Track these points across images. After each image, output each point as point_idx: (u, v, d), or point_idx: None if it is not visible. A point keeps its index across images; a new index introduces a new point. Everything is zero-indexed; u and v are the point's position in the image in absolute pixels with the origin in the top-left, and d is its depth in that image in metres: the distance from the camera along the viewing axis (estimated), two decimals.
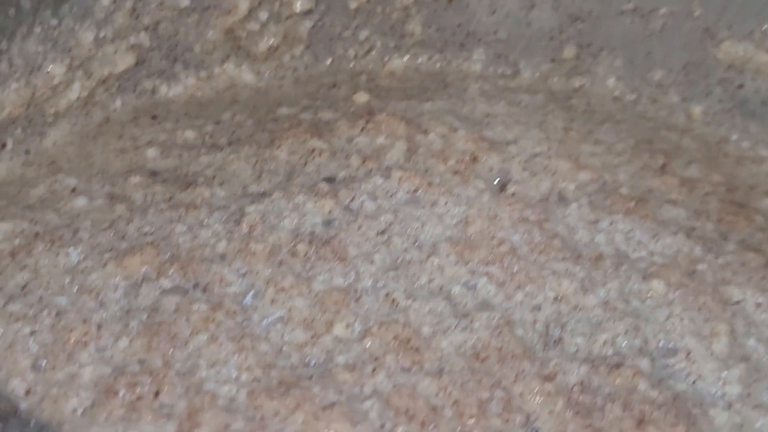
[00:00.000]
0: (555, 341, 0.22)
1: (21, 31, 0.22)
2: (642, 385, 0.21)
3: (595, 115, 0.27)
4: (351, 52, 0.26)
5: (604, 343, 0.22)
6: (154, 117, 0.25)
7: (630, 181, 0.25)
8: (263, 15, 0.25)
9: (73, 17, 0.23)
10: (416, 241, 0.23)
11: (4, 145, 0.23)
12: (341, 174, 0.24)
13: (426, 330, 0.21)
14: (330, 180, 0.24)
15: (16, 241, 0.22)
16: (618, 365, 0.21)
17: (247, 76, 0.25)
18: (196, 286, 0.22)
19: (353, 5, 0.25)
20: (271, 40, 0.25)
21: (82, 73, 0.24)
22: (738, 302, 0.23)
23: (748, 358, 0.22)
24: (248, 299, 0.22)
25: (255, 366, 0.20)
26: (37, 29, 0.23)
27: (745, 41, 0.25)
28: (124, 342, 0.20)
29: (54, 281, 0.21)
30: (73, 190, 0.24)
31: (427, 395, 0.20)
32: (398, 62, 0.27)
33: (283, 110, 0.25)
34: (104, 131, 0.25)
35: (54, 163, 0.24)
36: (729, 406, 0.21)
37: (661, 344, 0.22)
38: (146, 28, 0.24)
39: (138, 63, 0.23)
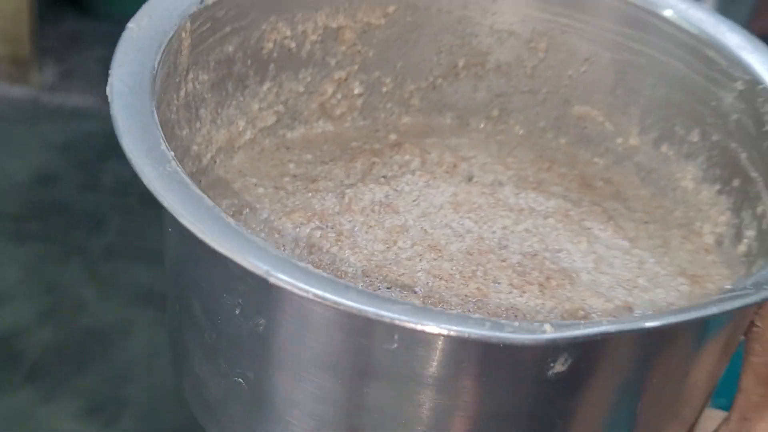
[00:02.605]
0: (503, 247, 0.34)
1: (227, 104, 0.34)
2: (547, 263, 0.33)
3: (511, 144, 0.39)
4: (382, 114, 0.37)
5: (528, 246, 0.34)
6: (287, 148, 0.37)
7: (533, 175, 0.34)
8: (339, 96, 0.37)
9: (250, 95, 0.35)
10: (432, 204, 0.34)
11: (215, 161, 0.34)
12: (390, 174, 0.34)
13: (443, 242, 0.33)
14: (385, 176, 0.34)
15: (232, 210, 0.34)
16: (534, 255, 0.34)
17: (329, 127, 0.38)
18: (327, 226, 0.33)
19: (384, 90, 0.37)
20: (342, 109, 0.38)
21: (251, 125, 0.35)
22: (590, 229, 0.35)
23: (595, 251, 0.35)
24: (355, 232, 0.34)
25: (363, 258, 0.32)
26: (234, 102, 0.35)
27: (587, 105, 0.38)
28: (296, 253, 0.32)
29: (258, 227, 0.33)
30: (255, 184, 0.35)
31: (446, 268, 0.31)
32: (406, 119, 0.38)
33: (353, 144, 0.35)
34: (262, 156, 0.36)
35: (241, 171, 0.36)
36: (589, 273, 0.34)
37: (555, 247, 0.34)
38: (283, 102, 0.36)
39: (277, 120, 0.35)
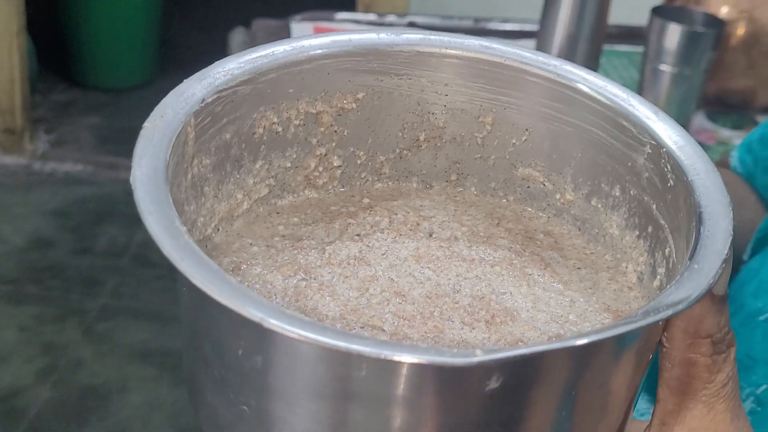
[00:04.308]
0: (457, 291, 0.43)
1: (227, 181, 0.44)
2: (493, 304, 0.42)
3: (466, 203, 0.42)
4: (357, 182, 0.45)
5: (477, 290, 0.42)
6: (278, 213, 0.46)
7: (484, 230, 0.40)
8: (321, 168, 0.45)
9: (245, 172, 0.45)
10: (398, 257, 0.42)
11: (218, 229, 0.44)
12: (362, 232, 0.41)
13: (407, 288, 0.40)
14: (359, 234, 0.39)
15: (232, 266, 0.43)
16: (482, 297, 0.43)
17: (312, 194, 0.46)
18: (311, 277, 0.42)
19: (359, 162, 0.45)
20: (324, 180, 0.46)
21: (247, 197, 0.43)
22: (530, 275, 0.42)
23: (533, 293, 0.44)
24: (334, 282, 0.43)
25: (341, 304, 0.41)
26: (232, 179, 0.43)
27: (529, 167, 0.48)
28: (286, 300, 0.42)
29: (253, 279, 0.42)
30: (251, 244, 0.43)
31: (409, 310, 0.38)
32: (378, 185, 0.44)
33: (332, 208, 0.41)
34: (256, 221, 0.44)
35: (239, 234, 0.44)
36: (528, 311, 0.43)
37: (501, 290, 0.43)
38: (273, 177, 0.43)
39: (269, 192, 0.45)
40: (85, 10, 2.62)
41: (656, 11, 1.09)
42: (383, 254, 0.42)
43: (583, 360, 0.34)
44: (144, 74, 2.79)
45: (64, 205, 2.36)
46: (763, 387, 0.58)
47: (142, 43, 2.74)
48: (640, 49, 1.07)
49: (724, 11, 1.13)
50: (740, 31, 1.13)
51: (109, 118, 2.60)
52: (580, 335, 0.33)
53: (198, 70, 0.41)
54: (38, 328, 2.00)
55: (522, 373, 0.33)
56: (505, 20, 1.34)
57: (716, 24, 1.08)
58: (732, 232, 0.37)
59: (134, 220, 2.11)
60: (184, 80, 0.40)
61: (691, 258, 0.35)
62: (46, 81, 2.77)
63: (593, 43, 0.98)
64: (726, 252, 0.35)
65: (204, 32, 2.98)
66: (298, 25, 1.28)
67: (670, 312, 0.33)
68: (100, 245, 2.20)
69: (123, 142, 2.34)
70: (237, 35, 1.26)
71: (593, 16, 0.96)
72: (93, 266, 2.16)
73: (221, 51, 1.29)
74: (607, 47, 1.17)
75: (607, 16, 1.01)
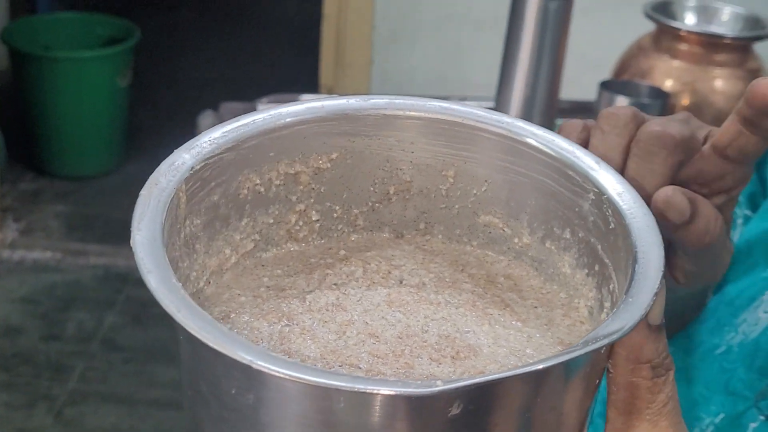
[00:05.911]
0: (425, 331, 0.44)
1: (216, 238, 0.45)
2: (458, 341, 0.44)
3: (434, 252, 0.44)
4: (335, 234, 0.47)
5: (444, 330, 0.40)
6: (263, 266, 0.48)
7: (449, 276, 0.41)
8: (301, 223, 0.47)
9: (233, 229, 0.47)
10: (372, 302, 0.43)
11: (209, 282, 0.46)
12: (339, 282, 0.42)
13: (380, 330, 0.41)
14: (336, 284, 0.41)
15: (222, 315, 0.44)
16: (448, 336, 0.44)
17: (294, 247, 0.48)
18: (293, 323, 0.44)
19: (335, 215, 0.46)
20: (304, 233, 0.49)
21: (235, 252, 0.44)
22: (492, 315, 0.41)
23: (494, 331, 0.47)
24: (314, 327, 0.45)
25: (321, 346, 0.42)
26: (221, 236, 0.44)
27: (489, 215, 0.49)
28: (271, 344, 0.44)
29: (242, 326, 0.44)
30: (239, 294, 0.45)
31: (382, 350, 0.37)
32: (353, 236, 0.44)
33: (312, 260, 0.43)
34: (244, 273, 0.46)
35: (228, 286, 0.46)
36: (489, 347, 0.45)
37: (465, 329, 0.42)
38: (258, 232, 0.47)
39: (254, 246, 0.48)
40: (51, 101, 2.64)
41: (604, 85, 1.14)
42: (358, 300, 0.44)
43: (533, 386, 0.37)
44: (110, 161, 2.79)
45: (32, 292, 2.35)
46: (721, 416, 0.60)
47: (108, 131, 2.75)
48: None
49: (668, 84, 1.18)
50: (684, 101, 1.18)
51: (76, 206, 2.60)
52: (529, 365, 0.35)
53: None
54: (9, 415, 1.99)
55: (480, 400, 0.35)
56: (463, 98, 1.39)
57: (661, 96, 1.13)
58: (663, 268, 0.39)
59: (102, 305, 2.09)
60: (175, 150, 0.43)
61: (626, 292, 0.38)
62: (14, 171, 2.78)
63: (546, 117, 1.02)
64: (657, 286, 0.38)
65: (169, 118, 3.00)
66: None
67: (606, 341, 0.35)
68: (69, 331, 2.21)
69: (90, 228, 2.34)
70: (206, 119, 1.31)
71: (545, 92, 1.01)
72: (62, 352, 2.16)
73: (186, 136, 1.32)
74: (559, 121, 1.22)
75: (558, 92, 1.06)
